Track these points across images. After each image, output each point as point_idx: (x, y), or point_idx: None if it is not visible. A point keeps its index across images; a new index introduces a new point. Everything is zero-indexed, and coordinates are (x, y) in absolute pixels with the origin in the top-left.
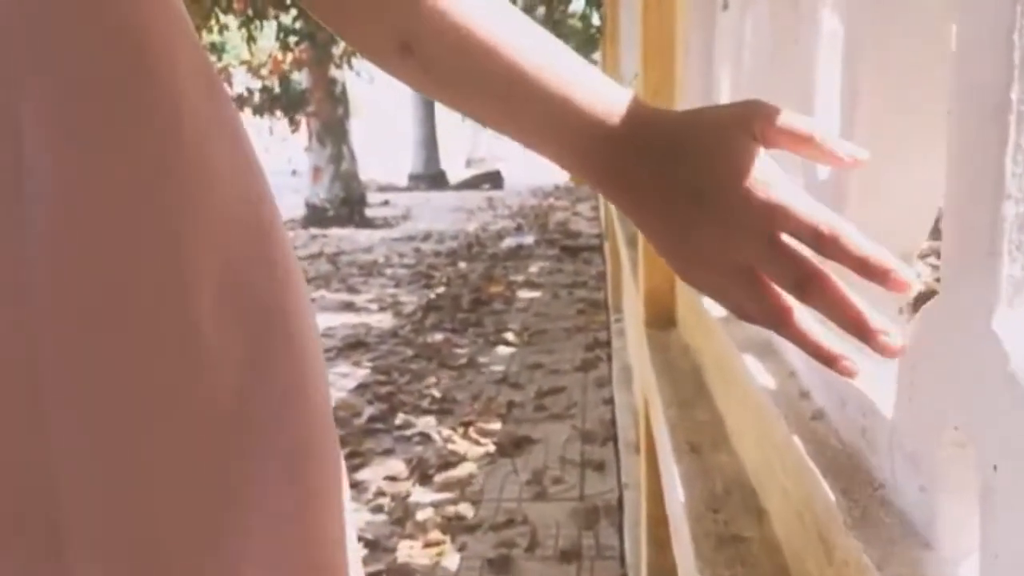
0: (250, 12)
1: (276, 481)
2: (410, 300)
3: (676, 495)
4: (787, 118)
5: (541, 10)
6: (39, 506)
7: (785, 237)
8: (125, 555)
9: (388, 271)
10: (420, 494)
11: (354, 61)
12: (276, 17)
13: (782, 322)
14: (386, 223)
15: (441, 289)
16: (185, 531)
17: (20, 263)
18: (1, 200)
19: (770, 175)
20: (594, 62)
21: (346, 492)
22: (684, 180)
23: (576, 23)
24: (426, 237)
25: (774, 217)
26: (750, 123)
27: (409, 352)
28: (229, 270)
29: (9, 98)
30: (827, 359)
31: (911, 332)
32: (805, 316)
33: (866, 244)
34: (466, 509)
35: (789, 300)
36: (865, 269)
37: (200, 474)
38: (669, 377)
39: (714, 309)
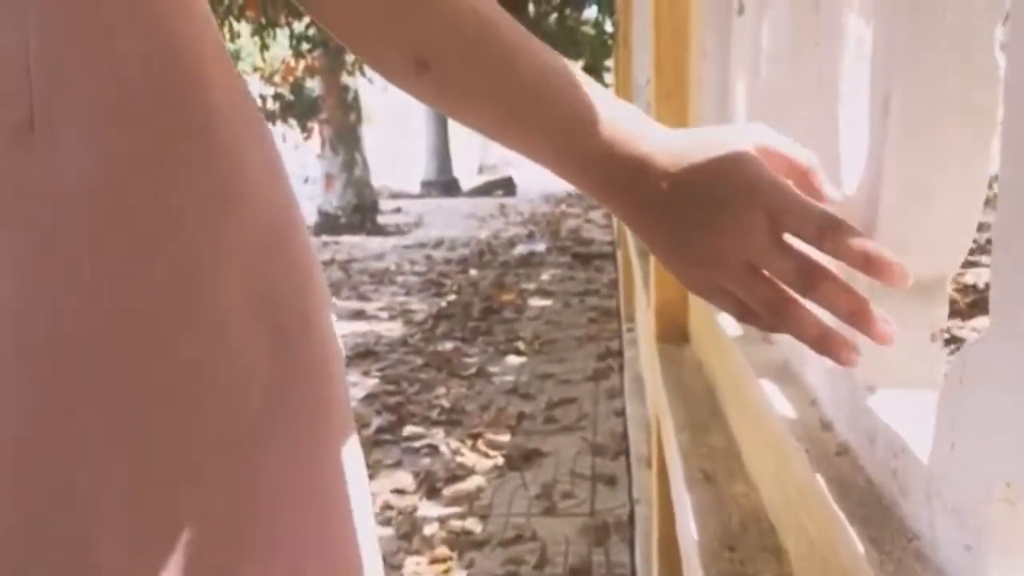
0: (263, 20)
1: (296, 479)
2: (421, 308)
3: (689, 530)
4: (788, 146)
5: (553, 17)
6: (65, 499)
7: (787, 236)
8: (149, 546)
9: (399, 279)
10: (427, 508)
11: (367, 68)
12: (288, 24)
13: (788, 313)
14: (398, 230)
15: (452, 297)
16: (207, 519)
17: (51, 261)
18: (39, 204)
19: (773, 178)
20: (607, 69)
21: (366, 489)
22: (688, 181)
23: (589, 30)
24: (438, 244)
25: (777, 216)
26: (752, 141)
27: (419, 361)
28: (252, 272)
29: (50, 104)
30: (834, 347)
31: (952, 368)
32: (808, 307)
33: (866, 240)
34: (474, 524)
35: (792, 293)
36: (867, 263)
37: (222, 466)
38: (681, 398)
39: (729, 327)
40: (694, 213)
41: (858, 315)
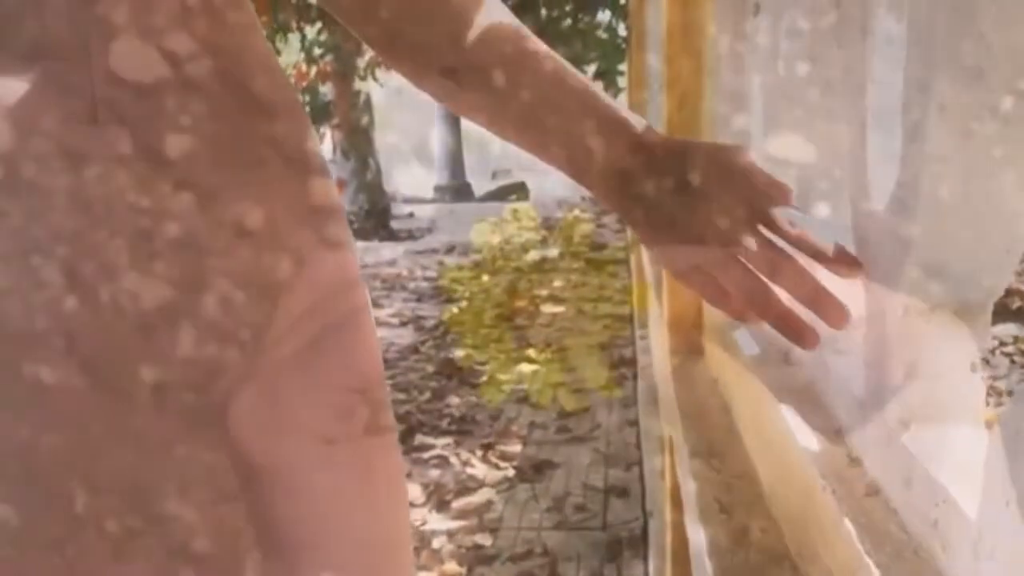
0: (274, 25)
1: (339, 480)
2: (432, 315)
3: (704, 567)
4: (768, 176)
5: (567, 22)
6: (64, 503)
7: (761, 228)
8: (134, 548)
9: (411, 285)
10: (436, 521)
11: (379, 73)
12: (300, 29)
13: (759, 297)
14: (410, 235)
15: (463, 303)
16: (246, 517)
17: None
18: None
19: (756, 177)
20: (620, 73)
21: (405, 489)
22: (682, 174)
23: (602, 34)
24: (449, 250)
25: (755, 208)
26: (744, 152)
27: (429, 369)
28: (295, 273)
29: (110, 99)
30: (797, 329)
31: (1007, 414)
32: (777, 292)
33: (824, 241)
34: (484, 538)
35: (763, 279)
36: (827, 259)
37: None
38: (695, 418)
39: (746, 346)
40: (685, 202)
41: (816, 300)
